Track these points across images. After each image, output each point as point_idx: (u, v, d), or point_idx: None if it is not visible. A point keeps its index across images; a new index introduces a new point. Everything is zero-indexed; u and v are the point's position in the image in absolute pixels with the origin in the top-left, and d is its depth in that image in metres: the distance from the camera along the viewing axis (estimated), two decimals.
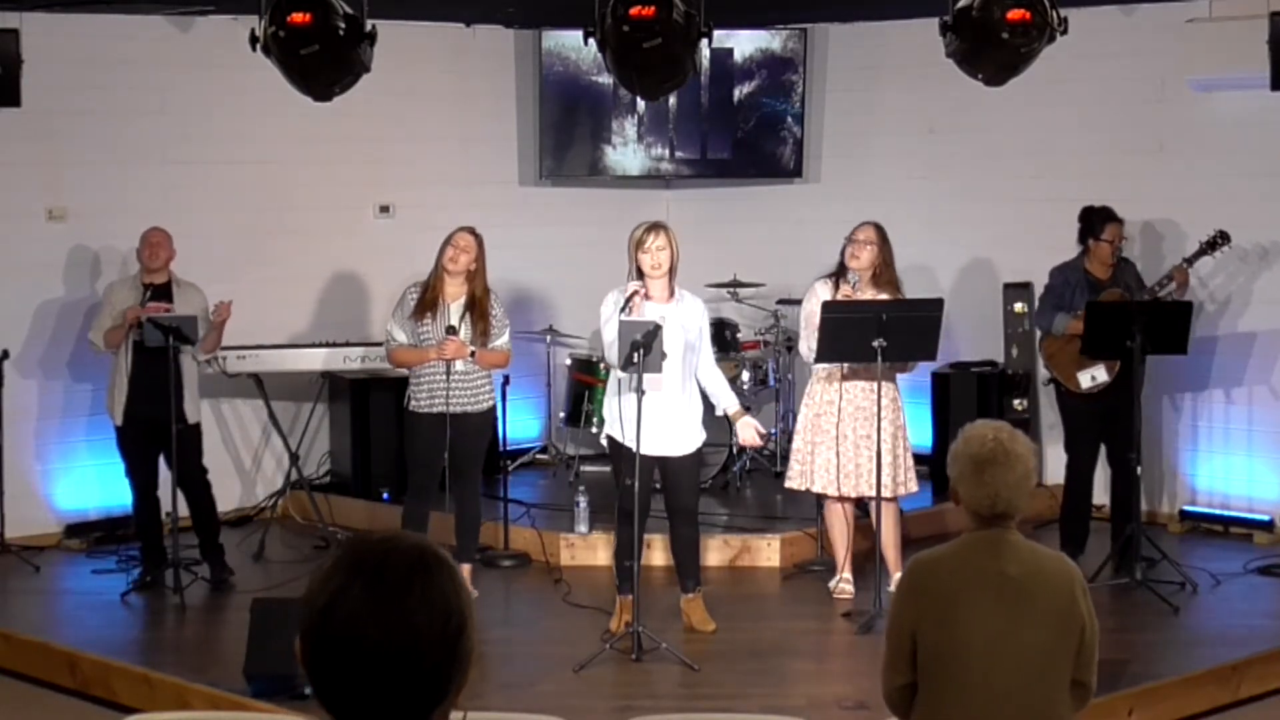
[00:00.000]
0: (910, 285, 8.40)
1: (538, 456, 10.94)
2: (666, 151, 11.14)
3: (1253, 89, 8.63)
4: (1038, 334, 9.00)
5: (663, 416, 7.20)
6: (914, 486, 8.13)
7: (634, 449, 7.03)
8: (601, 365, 9.75)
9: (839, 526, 8.11)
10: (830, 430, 7.95)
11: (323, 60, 6.93)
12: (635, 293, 7.27)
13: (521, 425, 10.74)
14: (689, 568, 7.62)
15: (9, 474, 9.10)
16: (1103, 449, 8.66)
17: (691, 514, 7.59)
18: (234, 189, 9.89)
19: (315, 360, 9.75)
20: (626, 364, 7.02)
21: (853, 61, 10.95)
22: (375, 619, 2.04)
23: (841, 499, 8.05)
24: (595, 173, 11.18)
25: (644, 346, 6.97)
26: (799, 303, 8.25)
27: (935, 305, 7.94)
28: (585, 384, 10.02)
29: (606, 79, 10.55)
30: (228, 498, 8.95)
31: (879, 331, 7.54)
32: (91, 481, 9.41)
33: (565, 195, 11.21)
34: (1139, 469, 8.17)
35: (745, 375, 10.03)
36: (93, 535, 9.32)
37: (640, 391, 7.00)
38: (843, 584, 8.13)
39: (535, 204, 11.09)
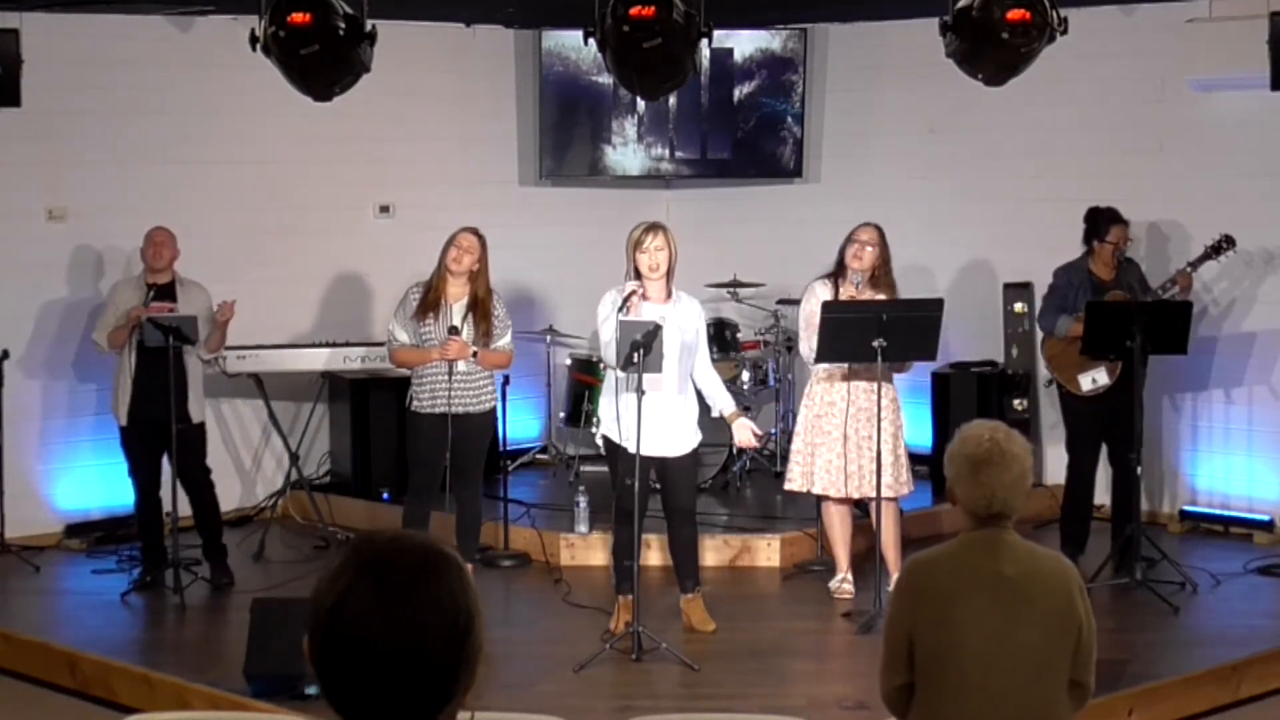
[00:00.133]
0: (910, 285, 8.41)
1: (538, 456, 10.94)
2: (666, 151, 11.14)
3: (1253, 89, 8.63)
4: (1039, 335, 8.99)
5: (660, 417, 7.20)
6: (912, 486, 8.14)
7: (633, 449, 7.04)
8: (601, 365, 9.75)
9: (839, 527, 8.11)
10: (832, 431, 7.95)
11: (323, 60, 6.93)
12: (633, 293, 7.27)
13: (521, 425, 10.74)
14: (688, 568, 7.62)
15: (9, 474, 9.10)
16: (1104, 449, 8.65)
17: (689, 514, 7.59)
18: (234, 189, 9.89)
19: (315, 360, 9.75)
20: (626, 364, 7.02)
21: (853, 61, 10.95)
22: (383, 618, 2.04)
23: (844, 499, 8.06)
24: (595, 173, 11.18)
25: (644, 346, 6.97)
26: (799, 303, 8.24)
27: (935, 305, 7.94)
28: (585, 384, 10.03)
29: (606, 79, 10.55)
30: (228, 498, 8.95)
31: (879, 331, 7.54)
32: (92, 481, 9.41)
33: (565, 195, 11.21)
34: (1139, 469, 8.17)
35: (745, 375, 10.03)
36: (93, 535, 9.32)
37: (640, 392, 7.00)
38: (843, 584, 8.13)
39: (535, 204, 11.09)
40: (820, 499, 8.13)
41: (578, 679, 6.89)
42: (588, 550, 8.84)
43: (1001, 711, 4.01)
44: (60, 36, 9.16)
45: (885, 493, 7.82)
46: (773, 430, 10.26)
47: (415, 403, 7.84)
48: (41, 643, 7.51)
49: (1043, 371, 9.37)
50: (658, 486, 7.49)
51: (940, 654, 4.03)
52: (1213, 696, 6.88)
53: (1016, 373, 10.04)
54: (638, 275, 7.33)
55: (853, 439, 7.91)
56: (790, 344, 10.29)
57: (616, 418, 7.22)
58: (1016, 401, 10.00)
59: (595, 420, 9.81)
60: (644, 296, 7.31)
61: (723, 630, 7.54)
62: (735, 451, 9.95)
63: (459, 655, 2.08)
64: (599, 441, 7.63)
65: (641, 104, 10.84)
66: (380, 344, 9.03)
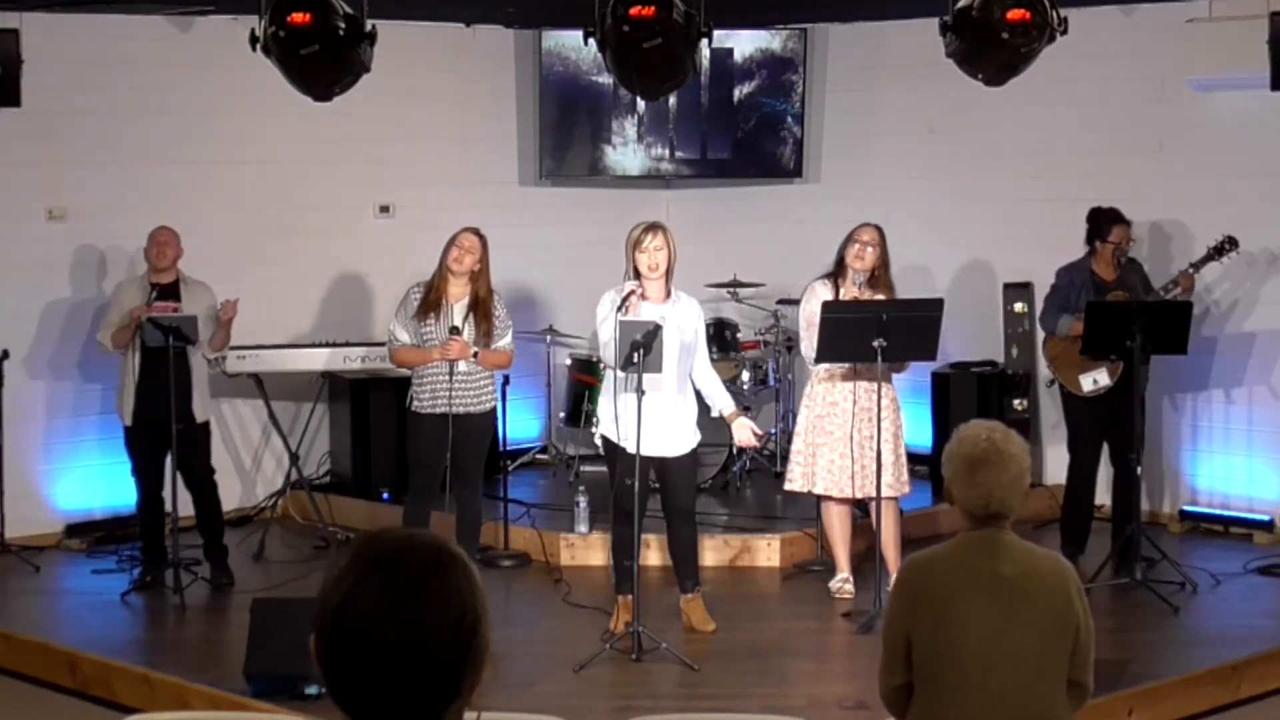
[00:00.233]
0: (910, 285, 8.41)
1: (538, 456, 10.94)
2: (666, 151, 11.14)
3: (1253, 89, 8.63)
4: (1041, 335, 8.99)
5: (659, 417, 7.20)
6: (911, 487, 8.14)
7: (633, 449, 7.04)
8: (601, 365, 9.75)
9: (839, 527, 8.11)
10: (835, 431, 7.94)
11: (323, 60, 6.93)
12: (632, 292, 7.27)
13: (521, 425, 10.75)
14: (687, 568, 7.62)
15: (9, 474, 9.10)
16: (1106, 449, 8.65)
17: (689, 514, 7.59)
18: (234, 189, 9.89)
19: (315, 360, 9.75)
20: (626, 364, 7.02)
21: (853, 61, 10.95)
22: (389, 617, 2.04)
23: (845, 500, 8.06)
24: (595, 173, 11.18)
25: (644, 346, 6.97)
26: (799, 303, 8.24)
27: (935, 305, 7.95)
28: (585, 384, 10.03)
29: (606, 79, 10.55)
30: (228, 498, 8.95)
31: (879, 331, 7.54)
32: (93, 481, 9.42)
33: (565, 195, 11.21)
34: (1139, 469, 8.17)
35: (745, 375, 10.03)
36: (93, 535, 9.32)
37: (640, 392, 7.00)
38: (843, 584, 8.13)
39: (535, 204, 11.09)
40: (821, 499, 8.12)
41: (578, 679, 6.89)
42: (588, 550, 8.84)
43: (1000, 712, 4.01)
44: (60, 36, 9.16)
45: (886, 492, 7.82)
46: (773, 430, 10.26)
47: (416, 403, 7.83)
48: (41, 643, 7.51)
49: (1044, 371, 9.37)
50: (657, 486, 7.49)
51: (938, 654, 4.03)
52: (1213, 696, 6.88)
53: (1016, 373, 10.04)
54: (637, 275, 7.33)
55: (856, 439, 7.91)
56: (790, 344, 10.29)
57: (615, 418, 7.22)
58: (1016, 401, 10.00)
59: (595, 420, 9.83)
60: (643, 296, 7.31)
61: (723, 630, 7.54)
62: (735, 451, 9.95)
63: (465, 654, 2.07)
64: (598, 441, 7.63)
65: (641, 104, 10.84)
66: (380, 344, 9.03)
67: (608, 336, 7.22)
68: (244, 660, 6.70)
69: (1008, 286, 10.13)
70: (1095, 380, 8.41)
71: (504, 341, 7.84)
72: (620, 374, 7.17)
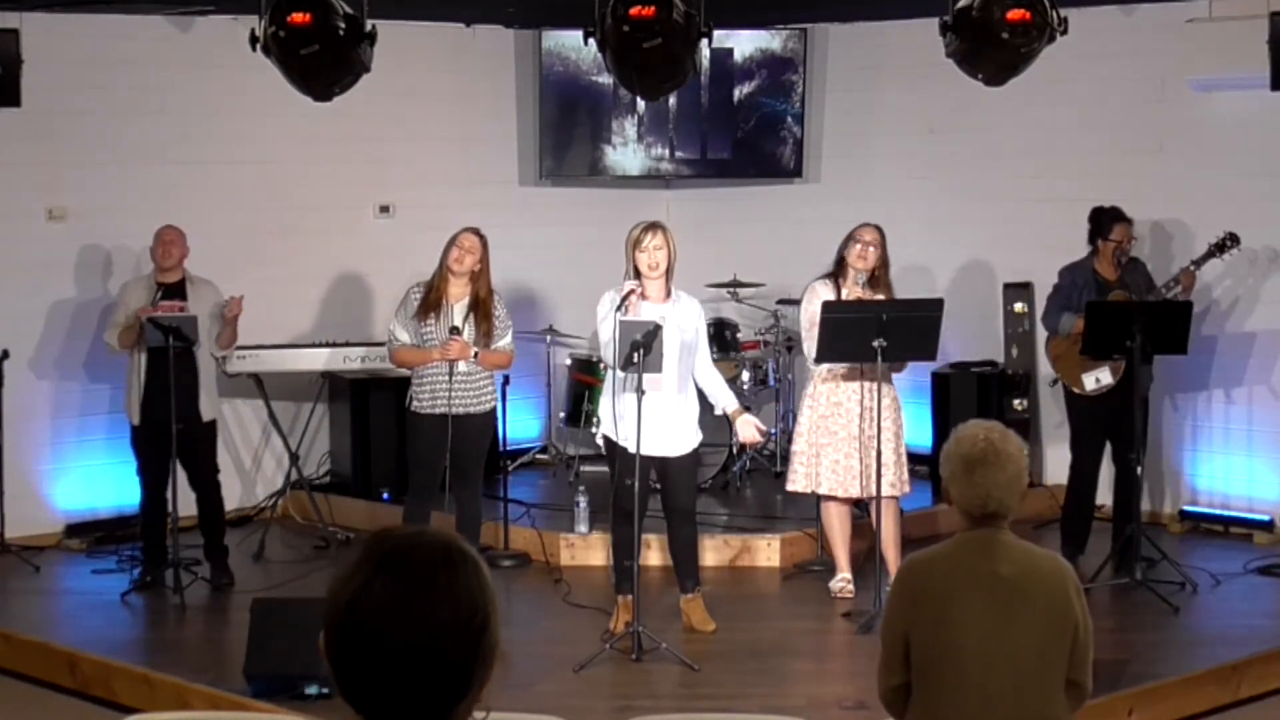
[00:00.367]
0: (910, 285, 8.41)
1: (538, 456, 10.94)
2: (666, 151, 11.14)
3: (1253, 89, 8.63)
4: (1044, 335, 8.99)
5: (660, 417, 7.20)
6: (910, 486, 8.15)
7: (633, 448, 7.04)
8: (601, 365, 9.75)
9: (839, 527, 8.11)
10: (839, 431, 7.94)
11: (323, 60, 6.93)
12: (631, 292, 7.27)
13: (521, 425, 10.74)
14: (688, 568, 7.62)
15: (9, 474, 9.10)
16: (1108, 449, 8.64)
17: (689, 514, 7.59)
18: (234, 189, 9.89)
19: (315, 360, 9.75)
20: (626, 364, 7.02)
21: (853, 61, 10.95)
22: (399, 614, 2.04)
23: (848, 499, 8.06)
24: (595, 173, 11.18)
25: (644, 346, 6.97)
26: (799, 303, 8.24)
27: (935, 305, 7.95)
28: (585, 384, 10.03)
29: (606, 79, 10.55)
30: (228, 498, 8.94)
31: (879, 331, 7.54)
32: (94, 481, 9.42)
33: (565, 195, 11.21)
34: (1139, 469, 8.16)
35: (745, 375, 10.03)
36: (93, 535, 9.32)
37: (640, 392, 7.00)
38: (843, 584, 8.13)
39: (535, 204, 11.09)
40: (825, 499, 8.10)
41: (578, 679, 6.89)
42: (588, 550, 8.84)
43: (999, 711, 4.01)
44: (60, 36, 9.16)
45: (888, 491, 7.83)
46: (773, 430, 10.26)
47: (415, 403, 7.83)
48: (41, 643, 7.51)
49: (1045, 371, 9.37)
50: (657, 486, 7.49)
51: (937, 654, 4.03)
52: (1213, 696, 6.88)
53: (1016, 373, 10.04)
54: (637, 275, 7.33)
55: (860, 439, 7.90)
56: (790, 344, 10.29)
57: (617, 417, 7.22)
58: (1016, 401, 9.99)
59: (595, 420, 9.83)
60: (643, 296, 7.31)
61: (723, 630, 7.54)
62: (735, 451, 9.96)
63: (475, 651, 2.08)
64: (599, 441, 7.63)
65: (641, 104, 10.84)
66: (380, 344, 9.03)
67: (608, 336, 7.22)
68: (244, 660, 6.70)
69: (1008, 286, 10.13)
70: (1098, 379, 8.41)
71: (504, 342, 7.84)
72: (621, 374, 7.17)
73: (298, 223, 10.17)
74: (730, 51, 10.92)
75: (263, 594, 7.63)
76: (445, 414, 7.66)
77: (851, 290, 7.93)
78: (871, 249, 7.94)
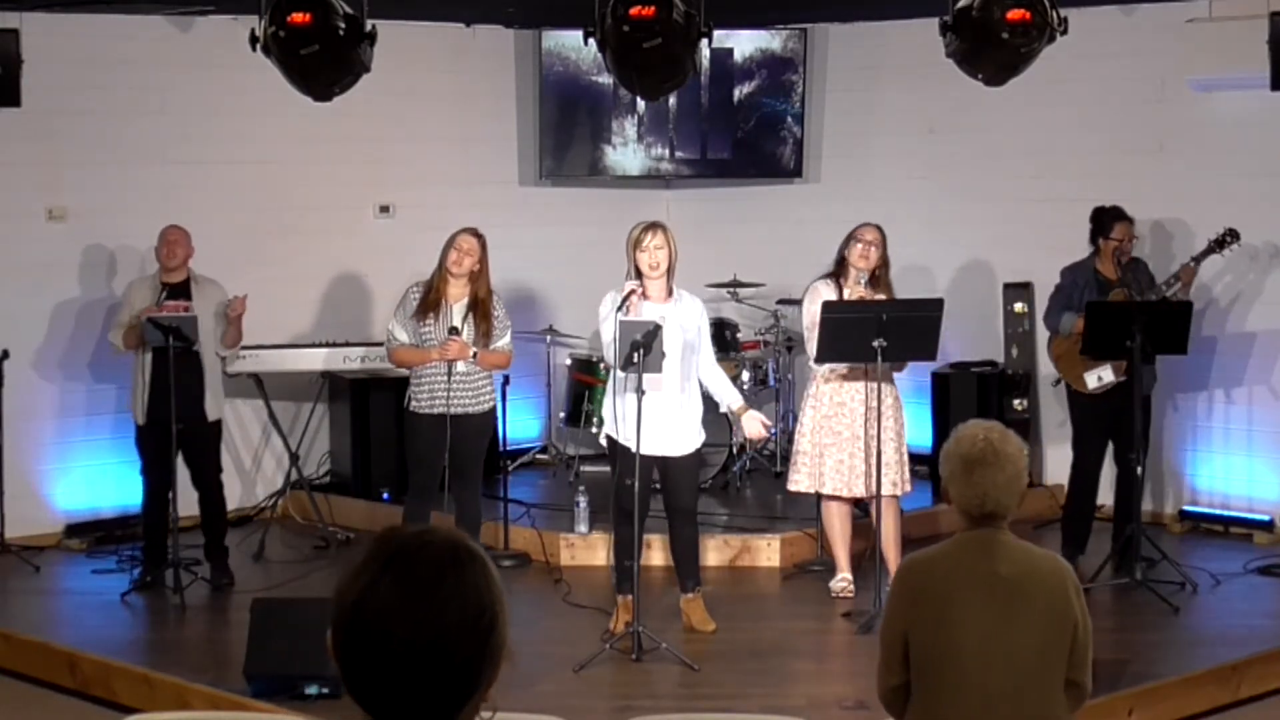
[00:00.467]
0: (910, 285, 8.41)
1: (538, 456, 10.94)
2: (666, 151, 11.14)
3: (1253, 89, 8.63)
4: (1044, 335, 8.99)
5: (663, 416, 7.21)
6: (911, 486, 8.15)
7: (634, 448, 7.04)
8: (601, 365, 9.75)
9: (839, 527, 8.11)
10: (843, 431, 7.94)
11: (323, 60, 6.93)
12: (632, 292, 7.27)
13: (521, 425, 10.74)
14: (688, 568, 7.62)
15: (9, 474, 9.10)
16: (1110, 449, 8.63)
17: (691, 514, 7.59)
18: (234, 189, 9.89)
19: (315, 360, 9.75)
20: (626, 364, 7.02)
21: (853, 61, 10.95)
22: (406, 614, 2.04)
23: (850, 499, 8.06)
24: (595, 173, 11.18)
25: (644, 346, 6.97)
26: (799, 303, 8.24)
27: (935, 305, 7.95)
28: (585, 384, 10.03)
29: (606, 79, 10.55)
30: (228, 497, 8.95)
31: (879, 331, 7.55)
32: (99, 481, 9.43)
33: (565, 195, 11.21)
34: (1139, 469, 8.16)
35: (745, 375, 10.03)
36: (93, 535, 9.32)
37: (640, 391, 7.00)
38: (843, 584, 8.13)
39: (535, 204, 11.09)
40: (828, 499, 8.08)
41: (578, 679, 6.89)
42: (588, 550, 8.84)
43: (999, 711, 4.01)
44: (60, 36, 9.16)
45: (890, 490, 7.84)
46: (773, 430, 10.24)
47: (414, 403, 7.83)
48: (41, 643, 7.51)
49: (1045, 371, 9.37)
50: (658, 486, 7.49)
51: (937, 654, 4.03)
52: (1213, 696, 6.88)
53: (1016, 373, 10.04)
54: (638, 274, 7.33)
55: (863, 439, 7.90)
56: (790, 344, 10.30)
57: (619, 418, 7.22)
58: (1016, 401, 9.99)
59: (595, 420, 9.84)
60: (644, 296, 7.31)
61: (723, 630, 7.54)
62: (736, 451, 9.96)
63: (482, 651, 2.08)
64: (602, 441, 7.63)
65: (641, 104, 10.84)
66: (380, 344, 9.02)
67: (610, 337, 7.22)
68: (244, 660, 6.70)
69: (1008, 286, 10.13)
70: (1100, 377, 8.40)
71: (503, 342, 7.84)
72: (622, 374, 7.17)
73: (298, 223, 10.17)
74: (730, 51, 10.92)
75: (263, 594, 7.63)
76: (444, 414, 7.66)
77: (853, 290, 7.94)
78: (873, 248, 7.94)
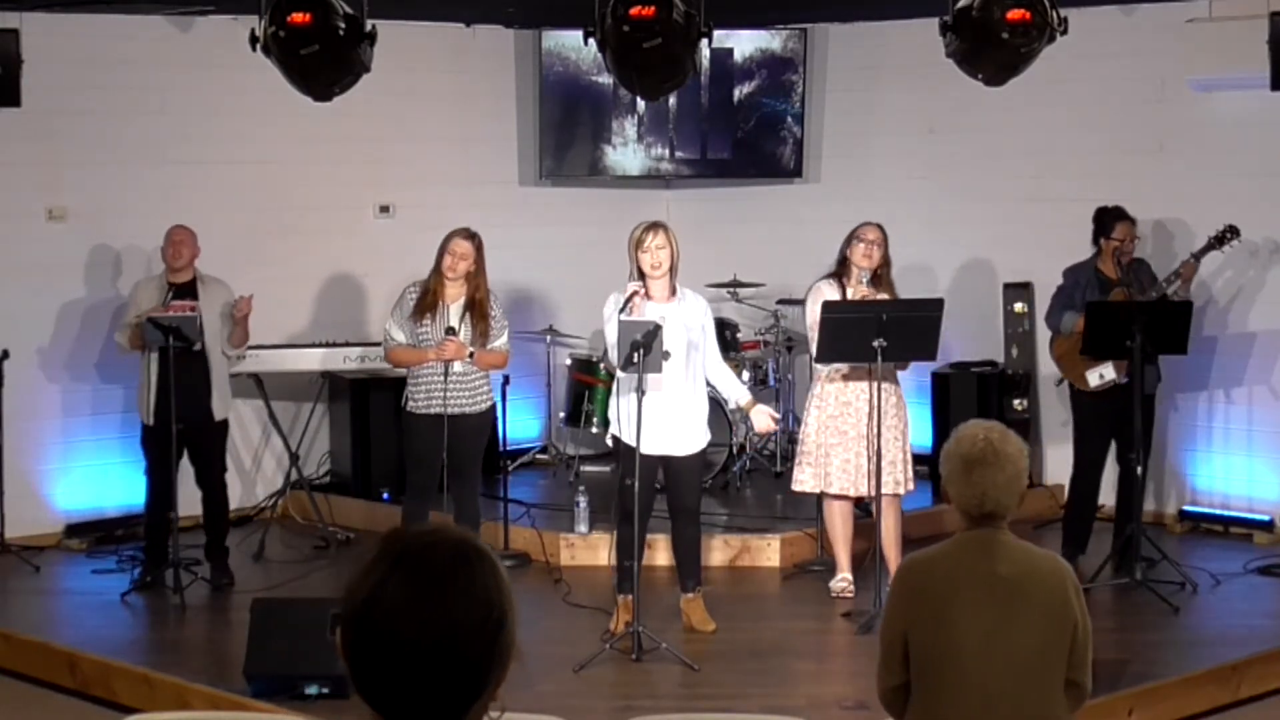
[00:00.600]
0: (910, 285, 8.41)
1: (538, 456, 10.94)
2: (666, 151, 11.14)
3: (1253, 89, 8.63)
4: (1045, 335, 8.98)
5: (668, 416, 7.21)
6: (913, 485, 8.15)
7: (644, 448, 7.05)
8: (601, 365, 9.75)
9: (841, 526, 8.10)
10: (849, 431, 7.93)
11: (323, 60, 6.93)
12: (635, 293, 7.27)
13: (521, 425, 10.74)
14: (690, 568, 7.62)
15: (9, 474, 9.10)
16: (1114, 448, 8.63)
17: (694, 514, 7.59)
18: (234, 189, 9.89)
19: (315, 360, 9.75)
20: (626, 364, 7.02)
21: (853, 61, 10.95)
22: (415, 613, 2.04)
23: (856, 499, 8.05)
24: (595, 173, 11.17)
25: (644, 346, 6.97)
26: (799, 303, 8.25)
27: (935, 305, 7.95)
28: (585, 384, 10.03)
29: (606, 79, 10.55)
30: (229, 497, 8.95)
31: (879, 331, 7.55)
32: (103, 481, 9.43)
33: (565, 195, 11.21)
34: (1139, 469, 8.15)
35: (745, 375, 10.01)
36: (93, 535, 9.32)
37: (641, 391, 7.01)
38: (843, 584, 8.13)
39: (535, 204, 11.08)
40: (836, 498, 8.07)
41: (578, 679, 6.88)
42: (588, 550, 8.84)
43: (999, 711, 4.01)
44: (60, 36, 9.16)
45: (894, 489, 7.86)
46: (774, 431, 10.24)
47: (411, 403, 7.84)
48: (41, 643, 7.51)
49: (1046, 371, 9.37)
50: (660, 486, 7.49)
51: (936, 654, 4.03)
52: (1213, 696, 6.88)
53: (1016, 373, 10.04)
54: (641, 275, 7.33)
55: (868, 438, 7.90)
56: (790, 344, 10.30)
57: (626, 418, 7.21)
58: (1016, 401, 9.99)
59: (595, 420, 9.84)
60: (647, 296, 7.31)
61: (723, 630, 7.54)
62: (736, 451, 9.96)
63: (490, 650, 2.08)
64: (608, 442, 7.62)
65: (641, 104, 10.84)
66: (380, 344, 9.02)
67: (613, 338, 7.22)
68: (244, 660, 6.70)
69: (1008, 286, 10.13)
70: (1101, 375, 8.40)
71: (499, 342, 7.84)
72: (622, 375, 7.18)
73: (298, 223, 10.17)
74: (730, 51, 10.92)
75: (263, 594, 7.63)
76: (440, 414, 7.67)
77: (856, 289, 7.94)
78: (876, 248, 7.95)
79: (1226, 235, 8.59)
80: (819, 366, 8.01)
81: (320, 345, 9.81)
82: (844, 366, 7.93)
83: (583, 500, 8.87)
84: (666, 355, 7.15)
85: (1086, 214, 8.69)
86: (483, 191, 10.66)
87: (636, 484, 7.06)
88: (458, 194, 10.42)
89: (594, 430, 9.94)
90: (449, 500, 7.79)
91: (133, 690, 6.97)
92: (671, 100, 10.76)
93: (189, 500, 8.47)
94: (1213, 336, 9.40)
